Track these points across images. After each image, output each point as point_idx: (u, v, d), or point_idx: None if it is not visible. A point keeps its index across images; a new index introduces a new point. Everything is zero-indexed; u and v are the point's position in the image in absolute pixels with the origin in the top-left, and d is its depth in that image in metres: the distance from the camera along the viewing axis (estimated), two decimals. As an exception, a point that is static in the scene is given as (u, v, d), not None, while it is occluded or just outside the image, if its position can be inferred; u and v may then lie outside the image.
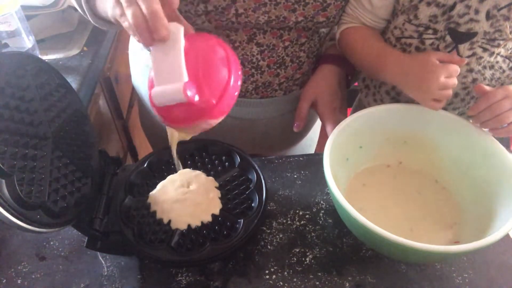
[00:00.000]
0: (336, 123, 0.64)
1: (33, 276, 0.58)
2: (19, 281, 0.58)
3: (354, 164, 0.67)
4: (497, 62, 0.64)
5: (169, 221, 0.58)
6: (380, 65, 0.65)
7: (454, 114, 0.64)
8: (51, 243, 0.62)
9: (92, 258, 0.60)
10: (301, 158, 0.75)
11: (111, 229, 0.58)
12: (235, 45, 0.68)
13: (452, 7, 0.59)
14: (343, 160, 0.64)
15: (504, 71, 0.65)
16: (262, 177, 0.63)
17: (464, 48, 0.62)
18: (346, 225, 0.58)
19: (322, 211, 0.66)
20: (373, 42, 0.68)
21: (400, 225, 0.61)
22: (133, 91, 1.04)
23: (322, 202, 0.67)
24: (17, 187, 0.45)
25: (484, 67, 0.64)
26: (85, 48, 0.98)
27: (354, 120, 0.63)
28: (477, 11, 0.58)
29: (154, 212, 0.59)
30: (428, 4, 0.60)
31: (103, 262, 0.60)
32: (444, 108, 0.65)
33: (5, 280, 0.58)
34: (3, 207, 0.43)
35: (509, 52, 0.63)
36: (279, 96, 0.78)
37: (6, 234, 0.64)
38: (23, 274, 0.58)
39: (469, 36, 0.61)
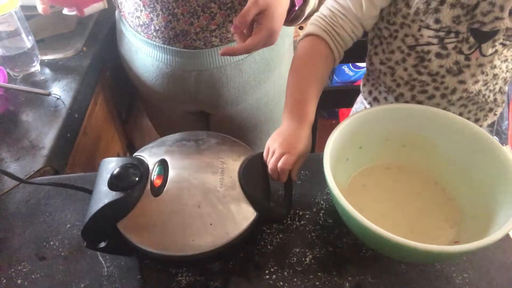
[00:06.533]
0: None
1: (33, 276, 0.58)
2: (19, 281, 0.58)
3: (354, 164, 0.67)
4: (511, 55, 0.64)
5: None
6: (287, 108, 0.64)
7: (454, 114, 0.64)
8: (51, 243, 0.62)
9: (92, 258, 0.60)
10: (301, 158, 0.75)
11: (111, 229, 0.58)
12: None
13: (476, 5, 0.58)
14: (343, 160, 0.64)
15: None
16: (262, 177, 0.63)
17: (487, 46, 0.62)
18: (346, 225, 0.58)
19: (322, 211, 0.66)
20: (308, 84, 0.65)
21: (400, 225, 0.61)
22: (133, 91, 1.04)
23: (322, 202, 0.67)
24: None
25: (502, 61, 0.65)
26: (84, 48, 0.98)
27: (354, 120, 0.63)
28: (502, 8, 0.57)
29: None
30: (452, 6, 0.59)
31: (103, 262, 0.60)
32: (466, 106, 0.65)
33: (5, 280, 0.58)
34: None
35: None
36: (199, 46, 0.81)
37: (6, 234, 0.64)
38: (23, 274, 0.58)
39: (492, 34, 0.60)
